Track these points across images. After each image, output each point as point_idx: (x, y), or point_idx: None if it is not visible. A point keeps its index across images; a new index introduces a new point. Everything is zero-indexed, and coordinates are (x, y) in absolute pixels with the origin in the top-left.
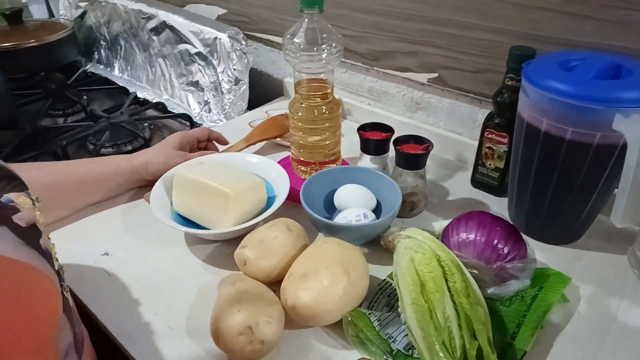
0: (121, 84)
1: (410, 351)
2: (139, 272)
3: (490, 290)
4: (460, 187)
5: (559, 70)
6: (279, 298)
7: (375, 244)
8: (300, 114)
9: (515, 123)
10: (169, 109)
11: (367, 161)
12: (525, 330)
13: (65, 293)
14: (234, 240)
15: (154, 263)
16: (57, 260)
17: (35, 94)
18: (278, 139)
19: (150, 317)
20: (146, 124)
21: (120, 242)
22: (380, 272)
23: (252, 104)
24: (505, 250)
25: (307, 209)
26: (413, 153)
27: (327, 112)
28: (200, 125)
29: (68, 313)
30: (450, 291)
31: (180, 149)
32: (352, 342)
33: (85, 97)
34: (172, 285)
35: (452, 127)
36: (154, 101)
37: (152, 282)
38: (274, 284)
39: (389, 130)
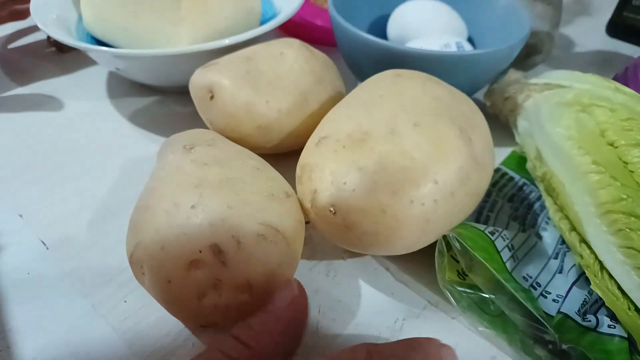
0: None
1: (600, 322)
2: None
3: None
4: (589, 37)
5: None
6: (294, 189)
7: None
8: None
9: None
10: None
11: None
12: None
13: None
14: None
15: (28, 124)
16: None
17: None
18: None
19: (13, 221)
20: None
21: None
22: None
23: None
24: None
25: (343, 22)
26: None
27: None
28: None
29: None
30: None
31: None
32: (452, 297)
33: None
34: (63, 161)
35: None
36: None
37: (23, 156)
38: (281, 156)
39: None
